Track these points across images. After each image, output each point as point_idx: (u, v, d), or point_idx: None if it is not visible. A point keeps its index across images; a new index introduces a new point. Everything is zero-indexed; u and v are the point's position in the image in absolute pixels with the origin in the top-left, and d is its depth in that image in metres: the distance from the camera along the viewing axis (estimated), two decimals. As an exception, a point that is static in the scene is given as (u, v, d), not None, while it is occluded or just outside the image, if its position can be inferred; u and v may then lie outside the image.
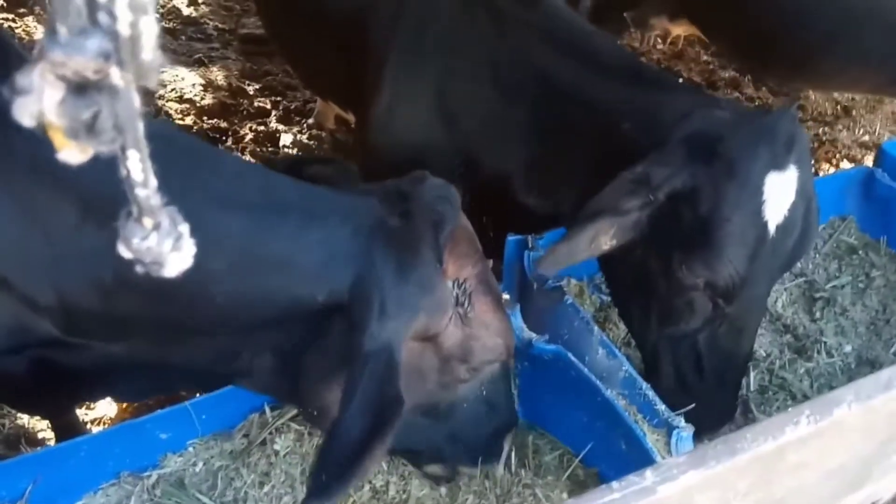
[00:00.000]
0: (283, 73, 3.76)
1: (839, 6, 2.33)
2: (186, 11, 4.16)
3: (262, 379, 1.47)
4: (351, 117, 2.35)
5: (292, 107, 3.59)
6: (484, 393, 1.53)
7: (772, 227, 1.56)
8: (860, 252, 2.33)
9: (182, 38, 3.95)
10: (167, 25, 4.03)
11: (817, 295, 2.24)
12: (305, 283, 1.34)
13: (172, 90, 3.59)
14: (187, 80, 3.66)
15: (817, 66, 2.56)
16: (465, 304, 1.40)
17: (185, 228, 0.71)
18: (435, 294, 1.35)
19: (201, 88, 3.62)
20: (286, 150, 3.32)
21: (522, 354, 1.71)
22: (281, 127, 3.46)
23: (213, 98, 3.58)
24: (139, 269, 0.70)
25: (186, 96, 3.57)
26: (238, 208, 1.31)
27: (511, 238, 1.83)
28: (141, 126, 0.63)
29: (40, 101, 0.59)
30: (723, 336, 1.69)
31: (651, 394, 1.62)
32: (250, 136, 3.37)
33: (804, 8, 2.37)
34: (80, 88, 0.60)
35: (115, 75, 0.60)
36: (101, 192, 1.09)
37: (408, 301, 1.32)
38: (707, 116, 1.62)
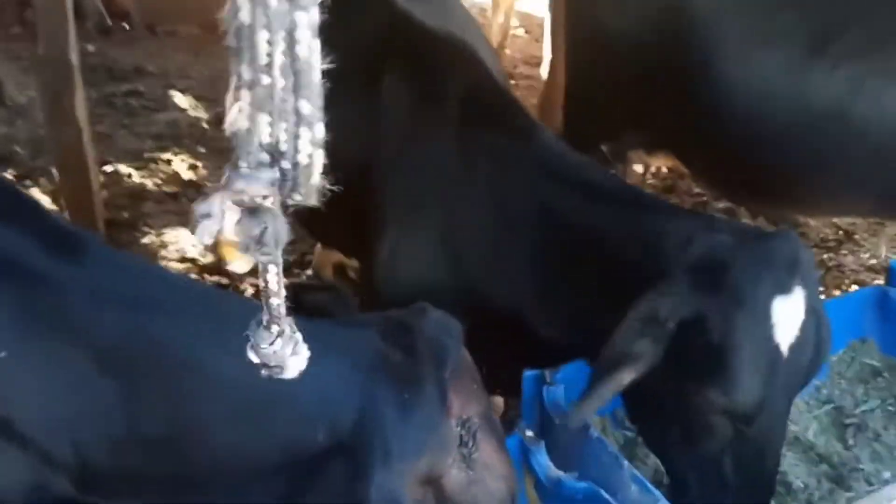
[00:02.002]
0: (281, 226, 3.83)
1: (823, 133, 2.40)
2: (186, 175, 4.30)
3: None
4: (354, 263, 2.35)
5: (290, 259, 3.62)
6: None
7: (784, 349, 1.55)
8: (885, 374, 2.29)
9: (183, 201, 4.05)
10: (167, 190, 4.16)
11: (847, 421, 2.18)
12: (304, 421, 1.28)
13: (175, 250, 3.66)
14: (189, 240, 3.72)
15: (807, 195, 2.62)
16: (470, 445, 1.32)
17: (300, 336, 0.84)
18: (439, 434, 1.28)
19: (202, 247, 3.67)
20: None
21: (552, 495, 1.61)
22: (280, 280, 3.46)
23: (214, 256, 3.62)
24: (264, 372, 0.83)
25: (188, 255, 3.63)
26: (240, 347, 1.28)
27: (528, 374, 1.79)
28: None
29: (221, 222, 0.73)
30: (747, 456, 1.65)
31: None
32: (251, 290, 3.37)
33: (787, 137, 2.45)
34: (252, 210, 0.75)
35: (276, 199, 0.75)
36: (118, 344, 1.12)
37: (412, 443, 1.25)
38: (709, 242, 1.64)
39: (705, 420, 1.60)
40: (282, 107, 0.73)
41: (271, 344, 0.80)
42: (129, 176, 4.23)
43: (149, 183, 4.20)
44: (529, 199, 1.81)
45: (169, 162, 4.38)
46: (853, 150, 2.40)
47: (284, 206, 0.78)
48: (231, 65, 0.72)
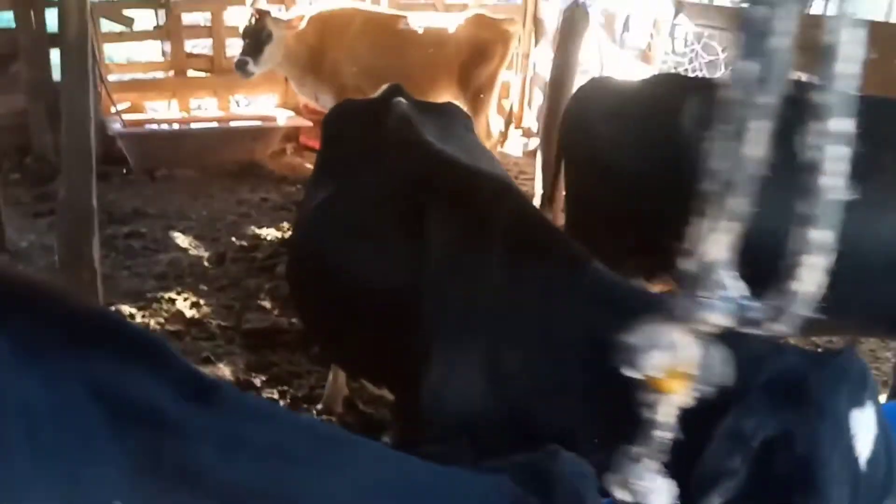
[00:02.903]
0: (287, 362, 3.85)
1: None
2: (189, 313, 4.34)
3: None
4: (385, 392, 2.37)
5: (300, 394, 3.62)
6: None
7: (862, 463, 1.58)
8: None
9: (187, 339, 4.07)
10: (171, 328, 4.19)
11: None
12: None
13: (182, 389, 3.63)
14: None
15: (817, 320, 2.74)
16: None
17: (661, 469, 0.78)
18: None
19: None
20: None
21: None
22: (290, 415, 3.45)
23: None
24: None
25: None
26: (376, 497, 1.26)
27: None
28: None
29: (675, 353, 0.67)
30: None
31: None
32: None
33: (782, 262, 2.60)
34: (706, 340, 0.73)
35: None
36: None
37: None
38: (781, 361, 1.68)
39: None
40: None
41: (640, 478, 0.77)
42: (132, 316, 4.26)
43: (152, 322, 4.23)
44: (581, 326, 1.84)
45: (172, 301, 4.43)
46: (844, 274, 2.54)
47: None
48: (706, 205, 0.73)
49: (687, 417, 1.41)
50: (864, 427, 1.60)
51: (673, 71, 5.84)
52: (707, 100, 3.00)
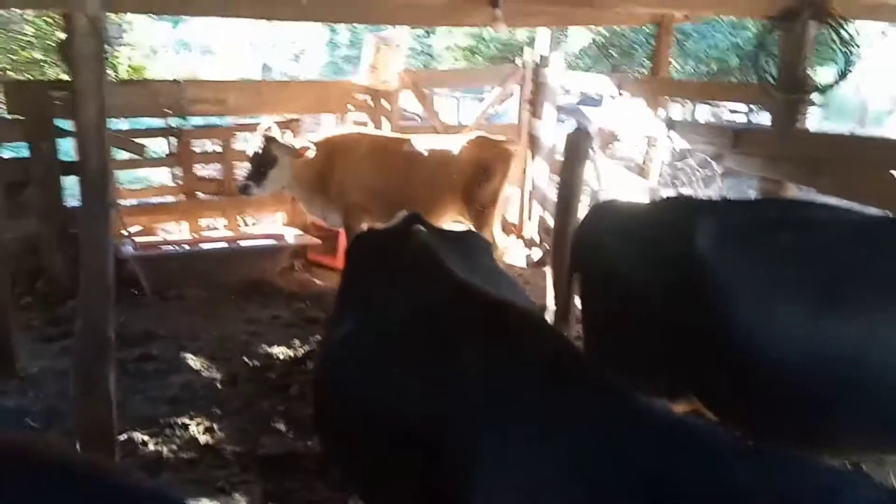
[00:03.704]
0: (305, 489, 3.79)
1: (841, 378, 2.61)
2: (203, 439, 4.30)
3: None
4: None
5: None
6: None
7: None
8: None
9: (202, 467, 4.02)
10: (184, 456, 4.14)
11: None
12: None
13: (198, 518, 3.56)
14: (212, 513, 3.64)
15: (832, 436, 2.77)
16: None
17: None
18: None
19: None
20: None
21: None
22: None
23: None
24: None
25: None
26: None
27: None
28: None
29: None
30: None
31: None
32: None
33: (808, 383, 2.64)
34: None
35: None
36: None
37: None
38: (853, 494, 1.63)
39: None
40: None
41: None
42: (145, 444, 4.21)
43: (165, 450, 4.17)
44: (629, 460, 1.78)
45: (185, 426, 4.39)
46: (873, 393, 2.59)
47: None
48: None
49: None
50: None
51: (668, 183, 6.08)
52: (718, 223, 3.14)
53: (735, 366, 2.72)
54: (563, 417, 1.90)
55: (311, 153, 6.10)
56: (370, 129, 7.24)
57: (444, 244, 2.86)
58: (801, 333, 2.61)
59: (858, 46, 4.33)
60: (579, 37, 16.40)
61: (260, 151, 6.13)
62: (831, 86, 4.48)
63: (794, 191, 4.68)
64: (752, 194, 7.58)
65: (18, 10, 8.83)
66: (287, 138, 6.27)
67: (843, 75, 4.39)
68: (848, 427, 2.71)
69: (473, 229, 6.28)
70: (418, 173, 6.25)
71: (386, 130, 7.42)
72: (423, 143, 6.45)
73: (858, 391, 2.59)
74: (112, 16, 3.58)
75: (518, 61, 8.39)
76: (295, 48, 26.26)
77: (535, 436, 1.88)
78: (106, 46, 3.43)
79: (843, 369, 2.57)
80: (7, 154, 6.77)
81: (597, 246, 3.29)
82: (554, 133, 7.66)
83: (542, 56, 7.99)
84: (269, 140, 6.12)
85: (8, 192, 5.13)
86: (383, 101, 7.60)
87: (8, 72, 9.76)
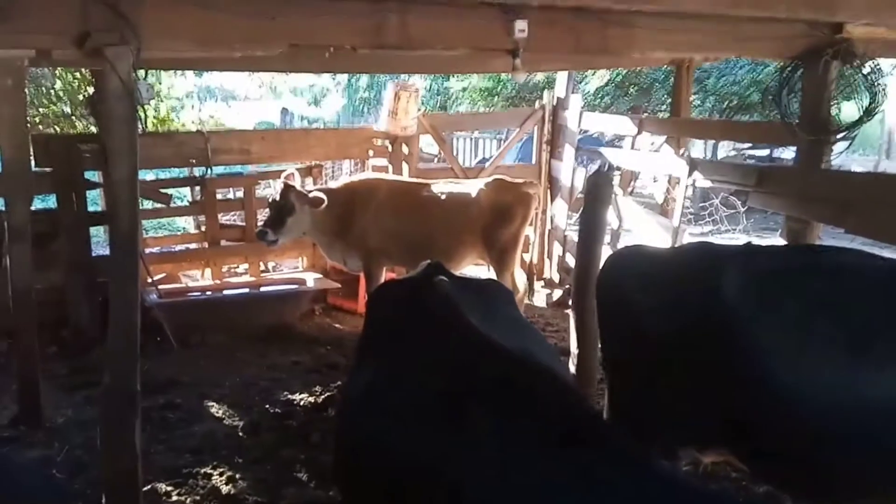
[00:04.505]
0: (328, 542, 3.74)
1: (877, 429, 2.54)
2: (226, 489, 4.27)
3: None
4: None
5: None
6: None
7: None
8: None
9: (224, 519, 3.99)
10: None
11: None
12: None
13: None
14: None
15: (865, 487, 2.69)
16: None
17: None
18: None
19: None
20: None
21: None
22: None
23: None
24: None
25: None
26: None
27: None
28: None
29: None
30: None
31: None
32: None
33: (841, 435, 2.57)
34: None
35: None
36: None
37: None
38: None
39: None
40: None
41: None
42: (169, 495, 4.19)
43: (188, 501, 4.15)
44: None
45: (208, 476, 4.37)
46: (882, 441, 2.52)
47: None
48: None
49: None
50: None
51: (691, 222, 6.03)
52: (744, 273, 3.08)
53: (763, 417, 2.66)
54: (571, 482, 1.89)
55: (323, 206, 6.08)
56: (389, 175, 7.30)
57: (466, 295, 2.85)
58: (832, 383, 2.56)
59: (885, 85, 4.30)
60: (597, 75, 16.51)
61: (278, 199, 6.19)
62: (857, 125, 4.44)
63: (820, 229, 4.62)
64: (777, 232, 7.50)
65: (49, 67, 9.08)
66: (307, 185, 6.33)
67: (868, 113, 4.35)
68: (875, 477, 2.63)
69: (495, 273, 6.27)
70: (438, 218, 6.27)
71: (405, 175, 7.48)
72: (442, 188, 6.48)
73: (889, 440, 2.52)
74: (141, 72, 3.65)
75: (537, 103, 8.46)
76: (314, 91, 26.73)
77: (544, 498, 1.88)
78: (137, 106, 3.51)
79: (876, 417, 2.50)
80: (36, 205, 6.91)
81: (619, 296, 3.26)
82: (573, 173, 7.67)
83: (559, 98, 8.05)
84: (288, 188, 6.17)
85: (37, 244, 5.20)
86: (403, 146, 7.68)
87: (38, 125, 10.00)
